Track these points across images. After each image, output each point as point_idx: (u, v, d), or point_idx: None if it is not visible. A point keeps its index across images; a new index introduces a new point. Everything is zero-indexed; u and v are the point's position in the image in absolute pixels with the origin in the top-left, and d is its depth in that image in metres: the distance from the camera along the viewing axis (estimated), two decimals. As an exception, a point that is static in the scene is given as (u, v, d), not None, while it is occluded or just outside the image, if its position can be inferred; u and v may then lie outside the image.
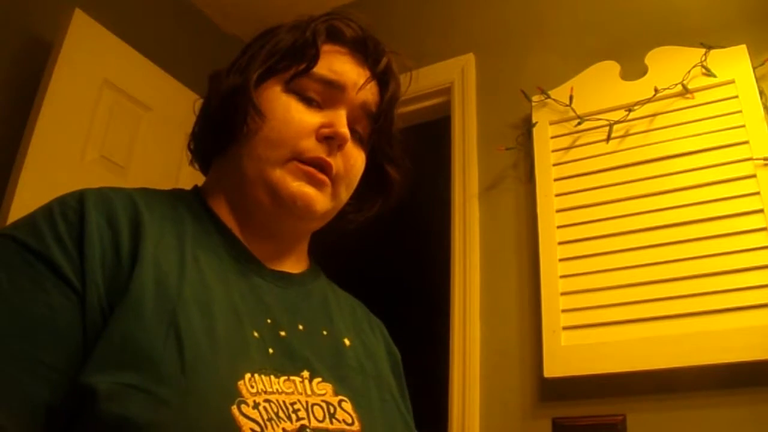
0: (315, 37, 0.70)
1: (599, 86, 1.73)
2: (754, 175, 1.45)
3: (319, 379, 0.62)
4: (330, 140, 0.68)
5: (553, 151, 1.72)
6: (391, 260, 3.21)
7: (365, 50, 0.73)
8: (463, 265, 1.76)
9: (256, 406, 0.54)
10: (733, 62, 1.57)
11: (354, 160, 0.72)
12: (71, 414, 0.50)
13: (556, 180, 1.68)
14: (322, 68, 0.69)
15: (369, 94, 0.73)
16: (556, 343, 1.51)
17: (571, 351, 1.49)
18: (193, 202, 0.70)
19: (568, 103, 1.73)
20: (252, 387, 0.55)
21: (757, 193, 1.43)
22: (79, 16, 1.81)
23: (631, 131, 1.64)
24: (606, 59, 1.76)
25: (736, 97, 1.54)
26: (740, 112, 1.52)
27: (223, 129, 0.70)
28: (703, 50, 1.60)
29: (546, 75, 1.82)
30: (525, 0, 2.04)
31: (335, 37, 0.72)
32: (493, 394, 1.60)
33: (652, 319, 1.43)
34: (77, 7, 1.82)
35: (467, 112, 1.95)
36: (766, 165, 1.44)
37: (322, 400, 0.60)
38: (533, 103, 1.79)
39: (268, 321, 0.63)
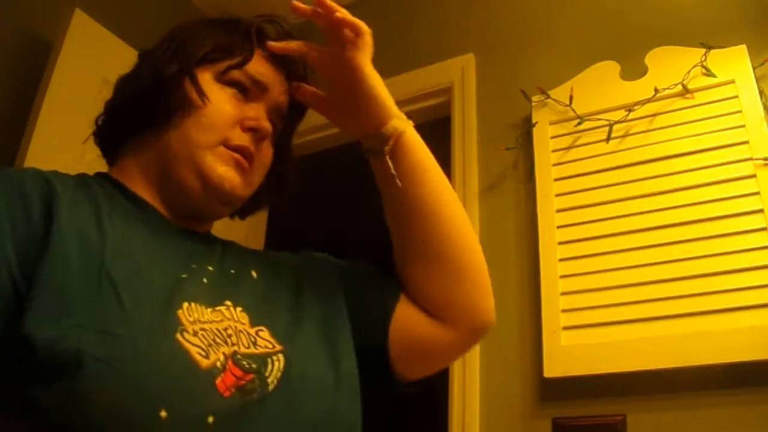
0: (250, 36, 0.77)
1: (599, 86, 1.73)
2: (754, 175, 1.45)
3: (240, 308, 0.67)
4: (253, 132, 0.74)
5: (553, 151, 1.72)
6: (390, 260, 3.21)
7: (283, 56, 0.79)
8: (463, 265, 1.75)
9: (195, 333, 0.59)
10: (733, 62, 1.57)
11: (267, 153, 0.78)
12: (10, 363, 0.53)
13: (556, 180, 1.68)
14: (251, 67, 0.76)
15: (283, 97, 0.80)
16: (556, 343, 1.51)
17: (571, 351, 1.49)
18: (103, 181, 0.72)
19: (568, 103, 1.73)
20: (189, 316, 0.60)
21: (757, 193, 1.43)
22: (79, 16, 1.81)
23: (631, 131, 1.64)
24: (606, 59, 1.76)
25: (736, 97, 1.54)
26: (740, 112, 1.52)
27: (156, 108, 0.72)
28: (703, 50, 1.60)
29: (546, 75, 1.82)
30: (525, 0, 2.04)
31: (262, 37, 0.78)
32: (493, 394, 1.60)
33: (652, 319, 1.43)
34: (77, 7, 1.82)
35: (467, 112, 1.95)
36: (766, 165, 1.44)
37: (245, 329, 0.65)
38: (533, 103, 1.79)
39: (193, 266, 0.68)
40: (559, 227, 1.63)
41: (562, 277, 1.57)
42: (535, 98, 1.79)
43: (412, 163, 0.77)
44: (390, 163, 0.76)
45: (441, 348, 0.80)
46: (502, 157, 1.82)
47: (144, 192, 0.72)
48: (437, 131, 2.00)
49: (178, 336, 0.57)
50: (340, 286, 0.79)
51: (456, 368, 1.66)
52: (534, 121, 1.77)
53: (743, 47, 1.58)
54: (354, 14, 0.77)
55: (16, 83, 1.79)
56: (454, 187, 1.87)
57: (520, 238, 1.72)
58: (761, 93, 1.52)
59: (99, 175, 0.74)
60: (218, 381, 0.57)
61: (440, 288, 0.78)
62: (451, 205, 0.79)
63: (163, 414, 0.53)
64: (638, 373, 1.41)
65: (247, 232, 1.99)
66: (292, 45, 0.78)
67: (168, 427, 0.53)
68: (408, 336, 0.77)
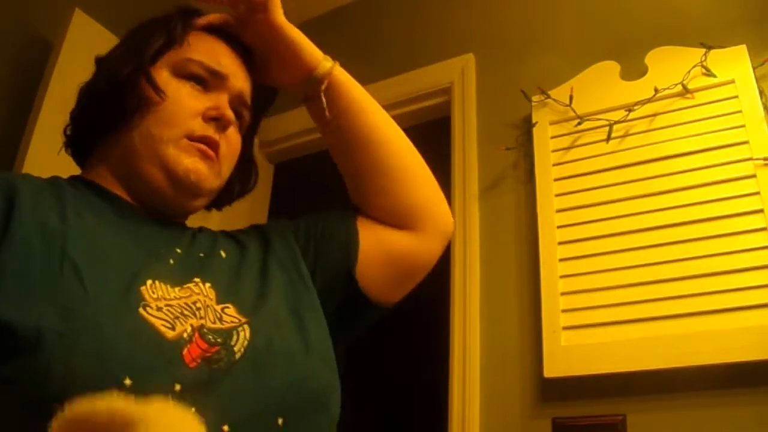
0: (185, 15, 0.80)
1: (599, 86, 1.73)
2: (754, 175, 1.45)
3: (209, 284, 0.69)
4: (216, 121, 0.75)
5: (553, 151, 1.72)
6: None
7: (235, 40, 0.81)
8: (463, 265, 1.75)
9: (159, 309, 0.60)
10: (733, 62, 1.57)
11: (235, 142, 0.80)
12: None
13: (556, 180, 1.68)
14: (208, 59, 0.77)
15: (245, 84, 0.81)
16: (556, 343, 1.51)
17: (571, 351, 1.49)
18: (75, 182, 0.74)
19: (568, 103, 1.73)
20: (153, 293, 0.61)
21: (757, 193, 1.43)
22: (79, 16, 1.81)
23: (631, 131, 1.64)
24: (606, 59, 1.76)
25: (736, 97, 1.54)
26: (740, 112, 1.52)
27: (116, 110, 0.74)
28: (703, 50, 1.60)
29: (546, 75, 1.82)
30: (525, 0, 2.04)
31: (209, 27, 0.81)
32: (493, 394, 1.60)
33: (652, 319, 1.43)
34: (77, 7, 1.82)
35: (467, 112, 1.95)
36: (766, 165, 1.44)
37: (212, 305, 0.67)
38: (533, 103, 1.79)
39: (161, 251, 0.70)
40: (559, 227, 1.63)
41: (562, 277, 1.57)
42: (535, 98, 1.79)
43: (349, 96, 0.83)
44: (326, 101, 0.81)
45: (412, 254, 0.84)
46: (502, 157, 1.82)
47: (116, 190, 0.74)
48: (437, 131, 2.01)
49: (141, 310, 0.59)
50: (298, 246, 0.81)
51: (456, 368, 1.66)
52: (534, 121, 1.77)
53: (743, 47, 1.58)
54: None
55: (16, 83, 1.79)
56: (454, 187, 1.89)
57: (520, 238, 1.72)
58: (761, 93, 1.52)
59: (72, 177, 0.76)
60: (185, 352, 0.59)
61: (399, 197, 0.84)
62: (390, 124, 0.86)
63: (128, 382, 0.53)
64: (638, 373, 1.41)
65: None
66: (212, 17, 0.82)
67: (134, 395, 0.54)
68: (378, 251, 0.82)
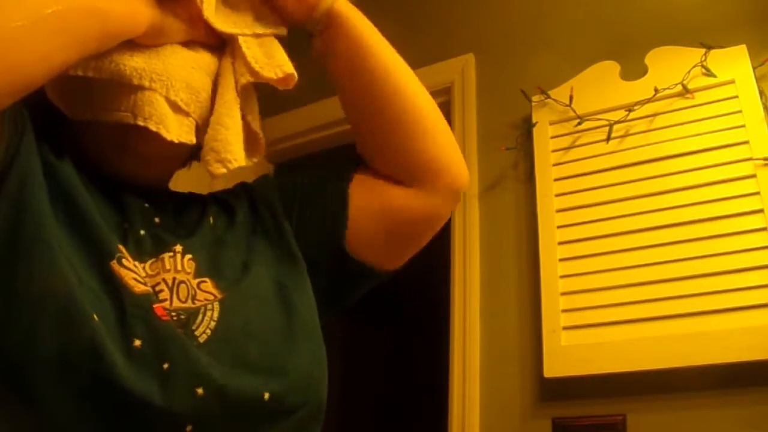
0: None
1: (599, 86, 1.73)
2: (754, 175, 1.45)
3: (189, 257, 0.65)
4: None
5: (553, 151, 1.72)
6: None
7: None
8: (463, 265, 1.76)
9: (135, 266, 0.59)
10: (733, 62, 1.57)
11: None
12: None
13: (556, 180, 1.68)
14: None
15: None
16: (556, 343, 1.51)
17: (571, 351, 1.49)
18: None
19: (568, 103, 1.73)
20: (130, 249, 0.60)
21: (757, 193, 1.43)
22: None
23: (631, 131, 1.64)
24: (606, 59, 1.76)
25: (736, 97, 1.54)
26: (740, 112, 1.52)
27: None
28: (703, 50, 1.60)
29: (546, 75, 1.82)
30: (525, 0, 2.04)
31: None
32: (493, 394, 1.60)
33: (652, 319, 1.43)
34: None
35: (467, 112, 1.95)
36: (766, 165, 1.44)
37: (188, 279, 0.63)
38: (533, 103, 1.79)
39: (125, 225, 0.65)
40: (559, 227, 1.63)
41: (562, 277, 1.57)
42: (535, 98, 1.79)
43: (352, 36, 0.74)
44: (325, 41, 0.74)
45: (417, 211, 0.77)
46: (502, 157, 1.82)
47: (92, 144, 0.68)
48: (437, 131, 2.00)
49: (114, 263, 0.57)
50: (285, 211, 0.77)
51: (456, 368, 1.66)
52: (534, 121, 1.77)
53: (743, 47, 1.58)
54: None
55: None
56: (454, 187, 1.89)
57: (520, 238, 1.72)
58: (761, 93, 1.52)
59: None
60: (156, 306, 0.57)
61: (412, 152, 0.76)
62: (405, 71, 0.78)
63: (96, 318, 0.52)
64: (638, 373, 1.41)
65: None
66: None
67: (100, 328, 0.52)
68: (376, 211, 0.76)
